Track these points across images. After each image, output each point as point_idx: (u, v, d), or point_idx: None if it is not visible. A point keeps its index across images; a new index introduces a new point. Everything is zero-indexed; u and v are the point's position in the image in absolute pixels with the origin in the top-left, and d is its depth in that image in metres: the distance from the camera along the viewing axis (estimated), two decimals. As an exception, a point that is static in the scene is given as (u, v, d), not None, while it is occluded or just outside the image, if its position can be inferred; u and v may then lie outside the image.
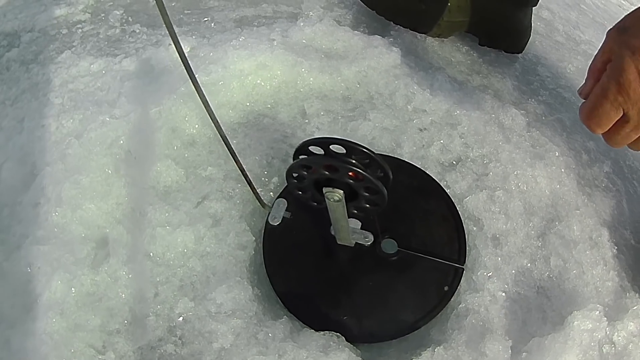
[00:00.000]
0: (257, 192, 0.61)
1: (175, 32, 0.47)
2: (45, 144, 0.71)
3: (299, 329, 0.57)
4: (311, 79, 0.73)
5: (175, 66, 0.72)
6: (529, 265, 0.71)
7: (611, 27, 0.53)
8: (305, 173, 0.50)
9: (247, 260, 0.60)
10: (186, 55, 0.74)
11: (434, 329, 0.64)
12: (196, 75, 0.70)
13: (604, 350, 0.69)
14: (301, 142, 0.50)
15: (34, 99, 0.81)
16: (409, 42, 0.87)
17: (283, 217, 0.63)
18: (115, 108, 0.67)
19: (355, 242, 0.63)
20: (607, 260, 0.77)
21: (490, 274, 0.66)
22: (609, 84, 0.51)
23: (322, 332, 0.57)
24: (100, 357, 0.57)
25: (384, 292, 0.63)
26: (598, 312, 0.68)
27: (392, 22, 0.89)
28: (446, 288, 0.64)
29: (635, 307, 0.73)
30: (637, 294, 0.77)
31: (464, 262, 0.66)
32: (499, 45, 0.93)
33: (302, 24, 0.80)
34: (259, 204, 0.62)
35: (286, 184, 0.65)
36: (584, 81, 0.59)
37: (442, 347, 0.60)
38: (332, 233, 0.63)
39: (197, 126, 0.67)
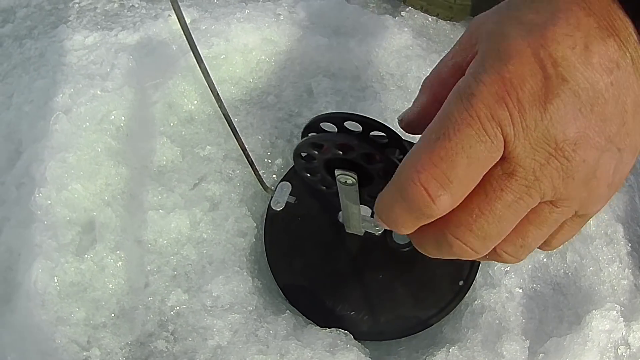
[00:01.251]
0: (259, 174, 0.51)
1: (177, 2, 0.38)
2: (33, 119, 0.62)
3: (303, 325, 0.48)
4: (319, 56, 0.63)
5: (174, 39, 0.62)
6: (545, 260, 0.62)
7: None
8: (316, 152, 0.41)
9: (247, 248, 0.51)
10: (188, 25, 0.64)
11: (447, 326, 0.55)
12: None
13: (619, 351, 0.61)
14: (312, 117, 0.40)
15: (25, 73, 0.71)
16: (420, 24, 0.77)
17: (287, 201, 0.54)
18: (107, 81, 0.57)
19: (365, 231, 0.54)
20: (622, 257, 0.68)
21: (507, 268, 0.57)
22: (477, 84, 0.23)
23: (328, 330, 0.48)
24: (84, 353, 0.47)
25: (394, 285, 0.54)
26: (616, 311, 0.60)
27: (402, 3, 0.79)
28: (461, 283, 0.55)
29: (651, 308, 0.65)
30: (652, 294, 0.69)
31: None
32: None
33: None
34: (260, 187, 0.53)
35: (291, 166, 0.56)
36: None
37: (456, 346, 0.51)
38: (340, 220, 0.54)
39: (196, 102, 0.57)
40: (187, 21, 0.65)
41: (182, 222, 0.50)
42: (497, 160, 0.23)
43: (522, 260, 0.27)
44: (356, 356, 0.46)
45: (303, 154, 0.42)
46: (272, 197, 0.54)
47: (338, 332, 0.48)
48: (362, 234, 0.54)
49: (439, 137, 0.23)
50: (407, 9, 0.78)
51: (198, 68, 0.59)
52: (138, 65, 0.59)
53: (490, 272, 0.57)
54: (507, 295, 0.56)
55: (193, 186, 0.53)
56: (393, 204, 0.25)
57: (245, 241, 0.51)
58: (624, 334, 0.60)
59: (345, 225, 0.53)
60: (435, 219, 0.24)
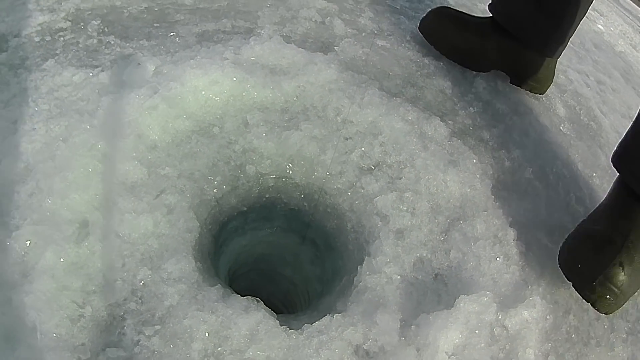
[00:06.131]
0: None
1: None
2: (37, 145, 1.09)
3: (229, 294, 0.95)
4: (255, 93, 1.09)
5: (143, 82, 1.10)
6: (429, 256, 1.06)
7: None
8: None
9: (193, 241, 0.98)
10: (152, 73, 1.12)
11: (339, 302, 1.00)
12: (159, 91, 1.08)
13: (496, 332, 1.04)
14: None
15: (24, 103, 1.19)
16: (350, 57, 1.22)
17: None
18: (94, 118, 1.04)
19: None
20: (511, 256, 1.12)
21: (388, 260, 1.02)
22: None
23: (245, 297, 0.94)
24: (80, 310, 0.95)
25: None
26: (487, 297, 1.04)
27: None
28: None
29: (531, 298, 1.08)
30: (540, 288, 1.12)
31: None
32: (525, 86, 1.30)
33: (252, 42, 1.15)
34: (204, 197, 1.00)
35: None
36: None
37: (341, 314, 0.97)
38: None
39: (158, 133, 1.04)
40: (152, 69, 1.13)
41: (147, 222, 0.97)
42: None
43: None
44: (262, 315, 0.92)
45: None
46: None
47: (253, 299, 0.94)
48: None
49: None
50: (343, 41, 1.23)
51: (161, 107, 1.06)
52: (116, 105, 1.06)
53: (373, 262, 1.02)
54: (386, 280, 1.01)
55: (155, 196, 1.00)
56: None
57: (192, 236, 0.98)
58: (499, 317, 1.04)
59: None
60: None
